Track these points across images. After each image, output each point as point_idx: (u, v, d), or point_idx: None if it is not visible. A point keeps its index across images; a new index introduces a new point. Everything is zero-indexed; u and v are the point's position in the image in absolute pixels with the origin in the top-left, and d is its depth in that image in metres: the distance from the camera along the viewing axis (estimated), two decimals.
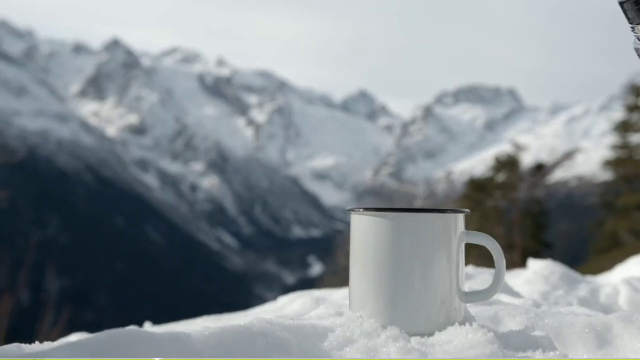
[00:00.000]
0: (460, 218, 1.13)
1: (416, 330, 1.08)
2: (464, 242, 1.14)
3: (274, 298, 2.37)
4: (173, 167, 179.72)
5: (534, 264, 2.55)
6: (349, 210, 1.15)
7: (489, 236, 1.13)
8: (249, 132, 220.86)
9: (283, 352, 1.00)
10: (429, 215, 1.10)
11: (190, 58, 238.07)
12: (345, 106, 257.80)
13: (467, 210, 1.15)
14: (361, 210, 1.12)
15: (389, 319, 1.08)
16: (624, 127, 23.74)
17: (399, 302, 1.09)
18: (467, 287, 1.77)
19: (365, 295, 1.11)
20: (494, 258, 1.13)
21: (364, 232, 1.11)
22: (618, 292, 2.19)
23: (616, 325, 1.17)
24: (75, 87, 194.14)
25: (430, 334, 1.08)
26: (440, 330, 1.08)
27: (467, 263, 1.66)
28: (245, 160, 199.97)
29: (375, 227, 1.10)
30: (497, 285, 1.13)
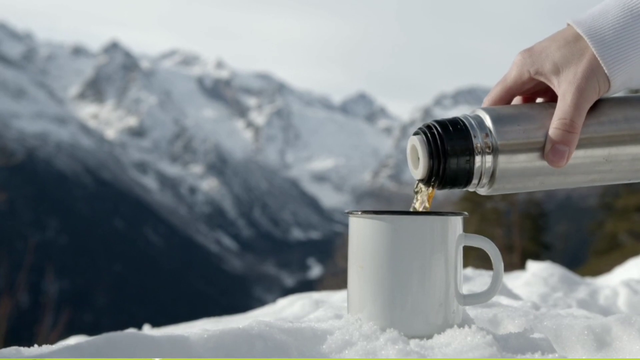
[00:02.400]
0: (459, 221, 1.13)
1: (414, 333, 1.08)
2: (462, 245, 1.13)
3: (273, 300, 2.37)
4: (172, 170, 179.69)
5: (533, 265, 2.55)
6: (348, 213, 1.15)
7: (487, 239, 1.12)
8: (248, 134, 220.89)
9: (282, 355, 1.01)
10: (427, 218, 1.10)
11: (189, 60, 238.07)
12: (344, 108, 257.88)
13: (466, 213, 1.15)
14: (359, 213, 1.12)
15: (387, 321, 1.08)
16: None
17: (397, 305, 1.08)
18: (466, 289, 1.77)
19: (363, 298, 1.11)
20: (492, 261, 1.12)
21: (363, 235, 1.11)
22: (617, 294, 2.19)
23: (615, 328, 1.17)
24: (74, 90, 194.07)
25: (429, 337, 1.07)
26: (439, 332, 1.08)
27: (466, 265, 1.65)
28: (245, 163, 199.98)
29: (373, 230, 1.10)
30: (495, 287, 1.13)
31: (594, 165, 1.06)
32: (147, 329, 2.42)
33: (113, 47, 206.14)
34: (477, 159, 1.02)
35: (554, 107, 1.05)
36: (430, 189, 1.10)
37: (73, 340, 2.08)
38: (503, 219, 24.38)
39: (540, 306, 1.60)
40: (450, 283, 1.10)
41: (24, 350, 0.99)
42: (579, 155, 1.04)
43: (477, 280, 2.11)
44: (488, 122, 1.03)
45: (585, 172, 1.06)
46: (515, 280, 2.39)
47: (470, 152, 1.02)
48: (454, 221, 1.11)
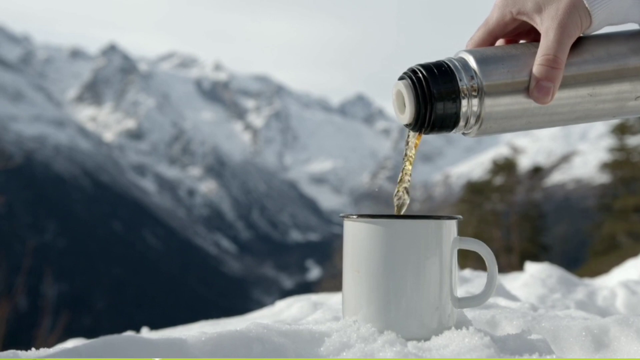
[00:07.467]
0: (453, 224, 1.12)
1: (410, 335, 1.08)
2: (457, 248, 1.13)
3: (272, 302, 2.36)
4: (170, 172, 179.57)
5: (531, 267, 2.54)
6: (343, 217, 1.15)
7: (482, 242, 1.12)
8: (246, 137, 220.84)
9: (280, 357, 1.01)
10: (421, 221, 1.10)
11: (187, 63, 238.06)
12: (343, 110, 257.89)
13: (460, 216, 1.15)
14: (354, 216, 1.12)
15: (382, 324, 1.08)
16: (621, 130, 23.79)
17: (392, 308, 1.09)
18: (464, 290, 1.77)
19: (358, 301, 1.11)
20: (487, 264, 1.13)
21: (357, 238, 1.11)
22: (615, 295, 2.19)
23: (613, 329, 1.17)
24: (72, 92, 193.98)
25: (426, 339, 1.08)
26: (435, 335, 1.08)
27: (465, 266, 1.65)
28: (243, 165, 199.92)
29: (368, 234, 1.10)
30: (489, 291, 1.14)
31: (579, 103, 1.05)
32: (145, 332, 2.43)
33: (111, 50, 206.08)
34: (464, 102, 1.02)
35: (538, 47, 1.04)
36: (418, 134, 1.09)
37: (71, 343, 2.07)
38: (501, 221, 24.39)
39: (538, 307, 1.59)
40: (445, 286, 1.11)
41: (22, 353, 1.00)
42: (563, 94, 1.04)
43: (475, 281, 2.11)
44: (472, 63, 1.02)
45: (570, 110, 1.06)
46: (514, 282, 2.38)
47: (456, 95, 1.01)
48: (448, 224, 1.11)
